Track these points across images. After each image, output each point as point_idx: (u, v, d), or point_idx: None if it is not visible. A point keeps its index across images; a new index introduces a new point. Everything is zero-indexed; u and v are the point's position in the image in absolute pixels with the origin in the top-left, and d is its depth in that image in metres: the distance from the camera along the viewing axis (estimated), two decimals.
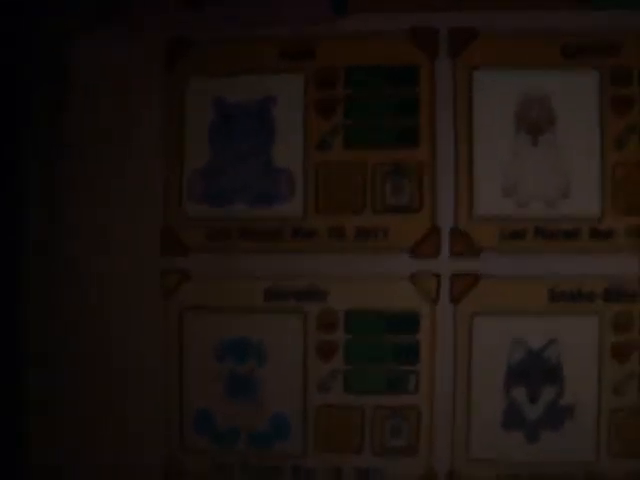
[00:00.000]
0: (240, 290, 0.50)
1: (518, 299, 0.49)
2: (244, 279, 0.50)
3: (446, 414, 0.49)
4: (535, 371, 0.49)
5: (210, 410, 0.51)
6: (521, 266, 0.49)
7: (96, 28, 0.52)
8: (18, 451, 0.52)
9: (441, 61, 0.49)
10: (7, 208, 0.52)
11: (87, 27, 0.52)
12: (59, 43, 0.52)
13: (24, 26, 0.52)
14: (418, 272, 0.49)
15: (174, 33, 0.51)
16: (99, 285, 0.51)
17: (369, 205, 0.50)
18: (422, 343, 0.49)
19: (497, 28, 0.49)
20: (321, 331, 0.50)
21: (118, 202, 0.51)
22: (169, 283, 0.51)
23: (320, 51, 0.50)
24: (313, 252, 0.50)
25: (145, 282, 0.51)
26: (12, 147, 0.52)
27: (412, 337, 0.49)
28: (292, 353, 0.50)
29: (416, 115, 0.49)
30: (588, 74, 0.49)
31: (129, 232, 0.51)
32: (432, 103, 0.49)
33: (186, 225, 0.51)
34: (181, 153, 0.51)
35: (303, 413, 0.50)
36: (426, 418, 0.50)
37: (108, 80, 0.52)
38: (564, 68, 0.49)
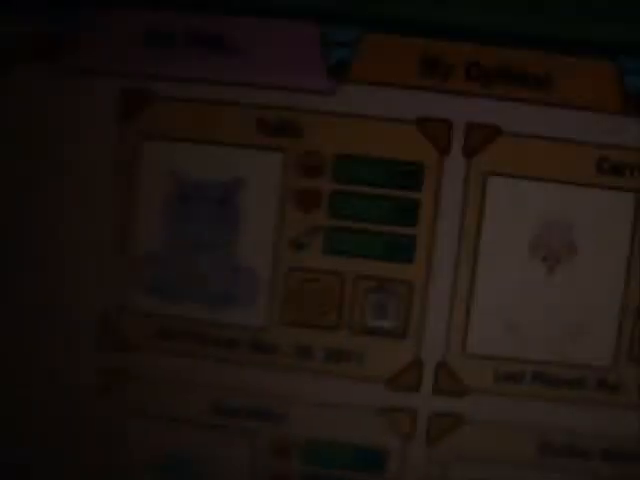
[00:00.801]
0: (183, 399, 0.43)
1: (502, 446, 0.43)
2: (189, 387, 0.43)
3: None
4: None
5: None
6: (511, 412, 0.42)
7: (36, 60, 0.43)
8: None
9: (453, 160, 0.42)
10: None
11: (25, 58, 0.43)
12: None
13: None
14: (392, 407, 0.43)
15: (132, 82, 0.42)
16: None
17: (345, 324, 0.42)
18: None
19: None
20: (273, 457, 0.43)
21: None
22: (107, 383, 0.43)
23: (308, 129, 0.41)
24: (273, 369, 0.43)
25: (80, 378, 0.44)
26: None
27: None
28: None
29: (414, 224, 0.42)
30: (623, 197, 0.42)
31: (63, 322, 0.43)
32: (434, 210, 0.42)
33: (129, 319, 0.43)
34: (129, 231, 0.43)
35: None
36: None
37: (45, 127, 0.43)
38: (597, 187, 0.42)
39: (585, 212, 0.41)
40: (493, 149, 0.41)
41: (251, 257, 0.42)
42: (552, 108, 0.41)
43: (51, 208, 0.43)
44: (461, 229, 0.41)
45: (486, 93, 0.41)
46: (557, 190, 0.41)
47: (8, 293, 0.43)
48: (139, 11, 0.42)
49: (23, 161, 0.43)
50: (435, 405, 0.42)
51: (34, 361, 0.43)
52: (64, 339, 0.43)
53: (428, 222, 0.41)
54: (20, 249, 0.43)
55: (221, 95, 0.41)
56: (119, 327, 0.43)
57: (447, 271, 0.41)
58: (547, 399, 0.42)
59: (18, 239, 0.43)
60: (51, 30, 0.42)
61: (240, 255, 0.42)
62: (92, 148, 0.42)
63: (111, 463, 0.44)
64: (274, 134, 0.41)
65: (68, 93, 0.42)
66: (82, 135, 0.42)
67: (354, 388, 0.42)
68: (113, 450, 0.43)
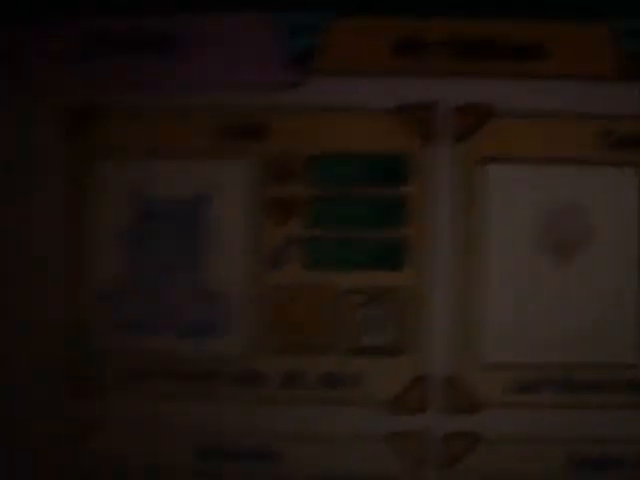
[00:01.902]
0: (164, 445, 0.39)
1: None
2: (167, 433, 0.39)
3: None
4: None
5: None
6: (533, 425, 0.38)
7: None
8: None
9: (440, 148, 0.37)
10: None
11: None
12: None
13: None
14: (398, 432, 0.38)
15: (77, 97, 0.38)
16: None
17: (337, 344, 0.38)
18: None
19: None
20: None
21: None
22: (76, 428, 0.39)
23: (273, 130, 0.37)
24: (261, 403, 0.38)
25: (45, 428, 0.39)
26: None
27: None
28: None
29: (402, 225, 0.37)
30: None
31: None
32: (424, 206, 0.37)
33: (94, 361, 0.38)
34: (85, 264, 0.38)
35: None
36: None
37: None
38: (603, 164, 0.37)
39: (595, 192, 0.37)
40: (486, 132, 0.37)
41: (224, 279, 0.37)
42: (547, 81, 0.37)
43: None
44: (456, 226, 0.37)
45: (472, 71, 0.37)
46: (562, 171, 0.37)
47: None
48: (74, 20, 0.38)
49: None
50: (446, 425, 0.37)
51: None
52: (26, 386, 0.39)
53: (418, 221, 0.37)
54: None
55: (177, 102, 0.37)
56: (83, 371, 0.38)
57: (444, 275, 0.37)
58: (570, 406, 0.38)
59: None
60: None
61: (211, 278, 0.37)
62: (40, 171, 0.38)
63: None
64: (237, 139, 0.37)
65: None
66: (29, 159, 0.38)
67: (355, 415, 0.37)
68: None
